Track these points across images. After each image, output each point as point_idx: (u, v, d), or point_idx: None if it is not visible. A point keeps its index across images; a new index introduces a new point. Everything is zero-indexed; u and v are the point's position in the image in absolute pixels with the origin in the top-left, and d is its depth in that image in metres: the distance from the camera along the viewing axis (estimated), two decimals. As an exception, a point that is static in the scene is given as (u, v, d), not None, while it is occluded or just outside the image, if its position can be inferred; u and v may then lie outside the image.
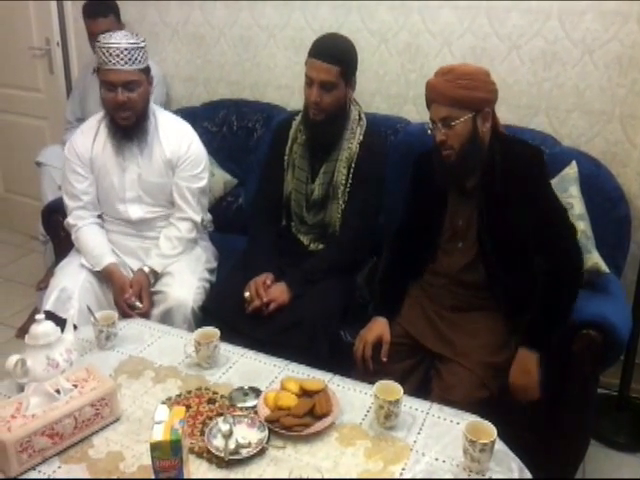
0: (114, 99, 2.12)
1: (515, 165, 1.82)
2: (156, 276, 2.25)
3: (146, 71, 2.18)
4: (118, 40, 2.08)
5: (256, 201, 2.42)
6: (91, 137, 2.28)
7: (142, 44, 2.13)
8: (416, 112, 2.67)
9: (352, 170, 2.17)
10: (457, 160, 1.81)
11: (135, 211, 2.30)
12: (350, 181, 2.17)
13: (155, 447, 1.24)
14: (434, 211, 1.95)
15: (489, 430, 1.38)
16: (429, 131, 1.85)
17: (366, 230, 2.21)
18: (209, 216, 2.50)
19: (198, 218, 2.34)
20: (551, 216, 1.84)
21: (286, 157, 2.25)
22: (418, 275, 2.04)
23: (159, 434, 1.25)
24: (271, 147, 2.37)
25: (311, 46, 2.11)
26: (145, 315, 2.13)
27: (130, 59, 2.08)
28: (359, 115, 2.23)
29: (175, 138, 2.28)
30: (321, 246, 2.24)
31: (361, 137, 2.19)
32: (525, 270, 1.84)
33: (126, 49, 2.07)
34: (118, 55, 2.06)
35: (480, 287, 1.91)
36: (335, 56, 2.05)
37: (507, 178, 1.81)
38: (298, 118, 2.26)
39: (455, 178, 1.88)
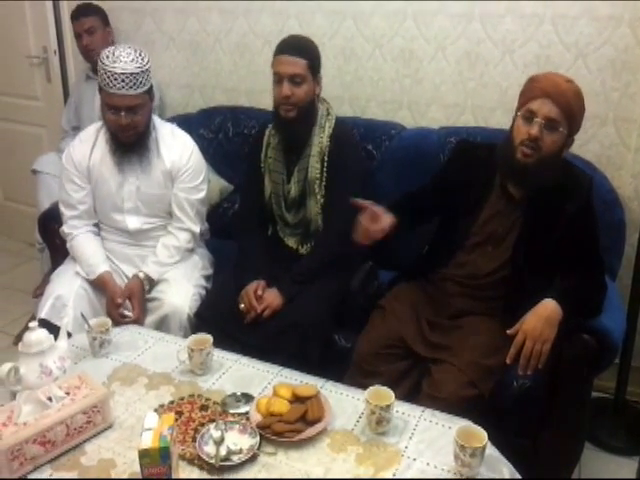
0: (117, 122, 2.09)
1: (568, 188, 1.82)
2: (151, 283, 2.25)
3: (149, 91, 2.14)
4: (123, 65, 2.01)
5: (241, 212, 2.44)
6: (89, 146, 2.26)
7: (147, 66, 2.07)
8: (411, 117, 2.68)
9: (326, 164, 2.18)
10: (533, 164, 1.76)
11: (133, 222, 2.29)
12: (325, 175, 2.18)
13: (144, 454, 1.24)
14: (467, 210, 1.92)
15: (480, 435, 1.38)
16: (520, 121, 1.78)
17: (350, 221, 2.19)
18: (206, 225, 2.50)
19: (197, 229, 2.34)
20: (586, 246, 1.83)
21: (262, 164, 2.27)
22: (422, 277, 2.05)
23: (148, 441, 1.25)
24: (248, 158, 2.38)
25: (276, 47, 2.13)
26: (137, 322, 2.13)
27: (135, 84, 2.03)
28: (327, 111, 2.24)
29: (175, 150, 2.26)
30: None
31: (331, 130, 2.20)
32: (545, 287, 1.81)
33: (132, 74, 2.02)
34: (123, 80, 2.01)
35: (494, 296, 1.91)
36: (301, 49, 2.08)
37: (557, 197, 1.82)
38: (270, 125, 2.27)
39: (521, 179, 1.82)
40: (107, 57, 2.04)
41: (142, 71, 2.05)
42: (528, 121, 1.76)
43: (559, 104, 1.72)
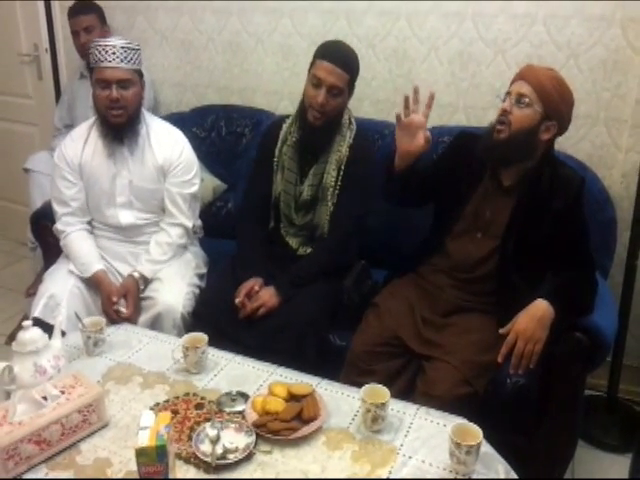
0: (108, 96, 2.13)
1: (558, 184, 1.86)
2: (146, 282, 2.25)
3: (139, 73, 2.21)
4: (115, 40, 2.13)
5: (245, 203, 2.42)
6: (81, 143, 2.28)
7: (137, 47, 2.17)
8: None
9: (341, 173, 2.18)
10: (506, 140, 1.82)
11: (125, 217, 2.29)
12: (339, 183, 2.19)
13: (140, 453, 1.24)
14: (460, 194, 1.96)
15: (475, 432, 1.39)
16: (501, 102, 1.86)
17: (354, 232, 2.22)
18: (199, 222, 2.50)
19: (189, 224, 2.35)
20: (575, 244, 1.86)
21: (275, 159, 2.26)
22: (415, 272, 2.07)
23: (144, 440, 1.25)
24: (260, 149, 2.38)
25: (321, 48, 2.12)
26: (130, 320, 2.13)
27: (125, 57, 2.12)
28: (349, 120, 2.24)
29: (167, 144, 2.28)
30: (309, 250, 2.25)
31: (351, 140, 2.20)
32: (535, 284, 1.84)
33: (122, 47, 2.11)
34: (114, 53, 2.10)
35: (486, 291, 1.93)
36: (347, 63, 2.08)
37: (546, 192, 1.85)
38: (289, 120, 2.26)
39: (495, 155, 1.87)
40: (98, 39, 2.19)
41: (132, 48, 2.15)
42: (504, 101, 1.85)
43: (531, 83, 1.81)
